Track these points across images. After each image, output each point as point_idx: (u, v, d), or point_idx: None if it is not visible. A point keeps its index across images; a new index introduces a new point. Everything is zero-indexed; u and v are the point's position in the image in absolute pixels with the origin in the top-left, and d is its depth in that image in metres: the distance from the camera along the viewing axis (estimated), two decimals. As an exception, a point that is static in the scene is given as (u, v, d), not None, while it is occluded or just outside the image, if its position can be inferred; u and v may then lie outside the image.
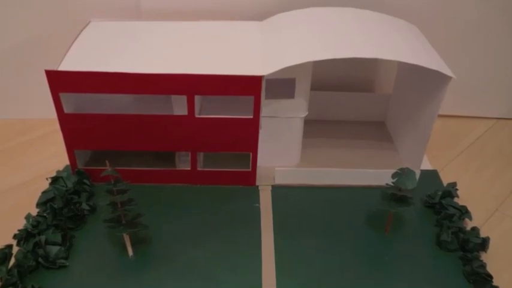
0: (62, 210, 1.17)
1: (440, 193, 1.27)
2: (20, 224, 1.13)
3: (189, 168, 1.30)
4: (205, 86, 1.15)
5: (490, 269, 1.08)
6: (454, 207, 1.23)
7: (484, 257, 1.13)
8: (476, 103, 1.66)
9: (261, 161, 1.29)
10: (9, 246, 1.07)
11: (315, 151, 1.39)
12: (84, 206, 1.20)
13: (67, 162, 1.28)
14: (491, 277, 1.06)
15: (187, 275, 1.08)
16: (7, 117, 1.59)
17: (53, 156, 1.39)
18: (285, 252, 1.13)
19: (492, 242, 1.16)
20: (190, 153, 1.27)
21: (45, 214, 1.15)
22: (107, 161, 1.01)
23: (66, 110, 1.18)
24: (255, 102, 1.17)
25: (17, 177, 1.35)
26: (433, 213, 1.25)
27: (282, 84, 1.19)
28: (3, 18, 1.42)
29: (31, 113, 1.57)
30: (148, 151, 1.29)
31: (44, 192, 1.22)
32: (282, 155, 1.33)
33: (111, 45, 1.24)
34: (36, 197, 1.21)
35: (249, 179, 1.31)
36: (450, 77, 1.13)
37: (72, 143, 1.25)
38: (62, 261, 1.08)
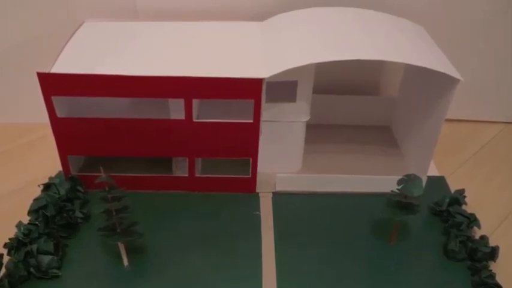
0: (55, 218, 1.17)
1: (447, 200, 1.27)
2: (11, 232, 1.13)
3: (186, 175, 1.30)
4: (204, 89, 1.15)
5: (500, 279, 1.08)
6: (462, 215, 1.23)
7: (493, 266, 1.13)
8: (485, 107, 1.66)
9: (261, 167, 1.29)
10: (0, 256, 1.07)
11: (317, 157, 1.39)
12: (78, 213, 1.21)
13: (60, 168, 1.29)
14: (500, 288, 1.07)
15: (185, 285, 1.08)
16: (-3, 122, 1.60)
17: (45, 162, 1.39)
18: (287, 261, 1.14)
19: (501, 251, 1.16)
20: (187, 159, 1.28)
21: (37, 222, 1.15)
22: (101, 167, 1.01)
23: (59, 114, 1.18)
24: (255, 106, 1.18)
25: (8, 184, 1.35)
26: (440, 221, 1.25)
27: (283, 87, 1.20)
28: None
29: (22, 117, 1.58)
30: (144, 157, 1.29)
31: (35, 200, 1.21)
32: (283, 161, 1.33)
33: (105, 46, 1.25)
34: (27, 204, 1.21)
35: (249, 185, 1.32)
36: (458, 80, 1.13)
37: (65, 148, 1.25)
38: (55, 271, 1.08)
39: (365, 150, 1.45)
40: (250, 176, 1.30)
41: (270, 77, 1.13)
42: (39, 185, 1.26)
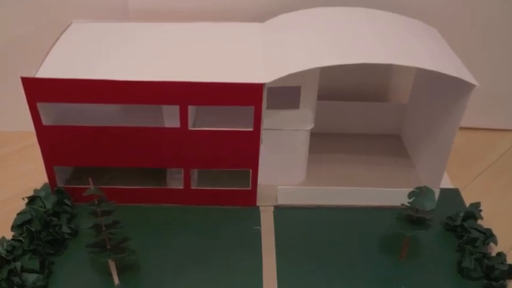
0: (40, 233, 1.17)
1: (462, 215, 1.27)
2: (-7, 249, 1.14)
3: (181, 187, 1.30)
4: (200, 94, 1.15)
5: (518, 299, 1.09)
6: (477, 230, 1.24)
7: (511, 285, 1.14)
8: (502, 114, 1.67)
9: (262, 179, 1.29)
10: (-19, 274, 1.07)
11: (321, 168, 1.40)
12: (65, 229, 1.21)
13: (45, 180, 1.29)
14: (519, 308, 1.07)
15: (180, 306, 1.09)
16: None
17: (30, 174, 1.40)
18: (289, 280, 1.14)
19: (520, 269, 1.16)
20: (183, 170, 1.28)
21: (21, 238, 1.15)
22: (90, 179, 1.01)
23: (44, 122, 1.19)
24: (256, 113, 1.18)
25: (-11, 197, 1.36)
26: (454, 237, 1.26)
27: (285, 93, 1.20)
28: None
29: (5, 125, 1.58)
30: (136, 168, 1.30)
31: (19, 214, 1.22)
32: (285, 172, 1.33)
33: (95, 49, 1.25)
34: (11, 219, 1.21)
35: (248, 198, 1.32)
36: (473, 85, 1.14)
37: (51, 158, 1.25)
38: (40, 290, 1.08)
39: (373, 161, 1.45)
40: (250, 188, 1.30)
41: (272, 82, 1.14)
42: (23, 198, 1.26)
